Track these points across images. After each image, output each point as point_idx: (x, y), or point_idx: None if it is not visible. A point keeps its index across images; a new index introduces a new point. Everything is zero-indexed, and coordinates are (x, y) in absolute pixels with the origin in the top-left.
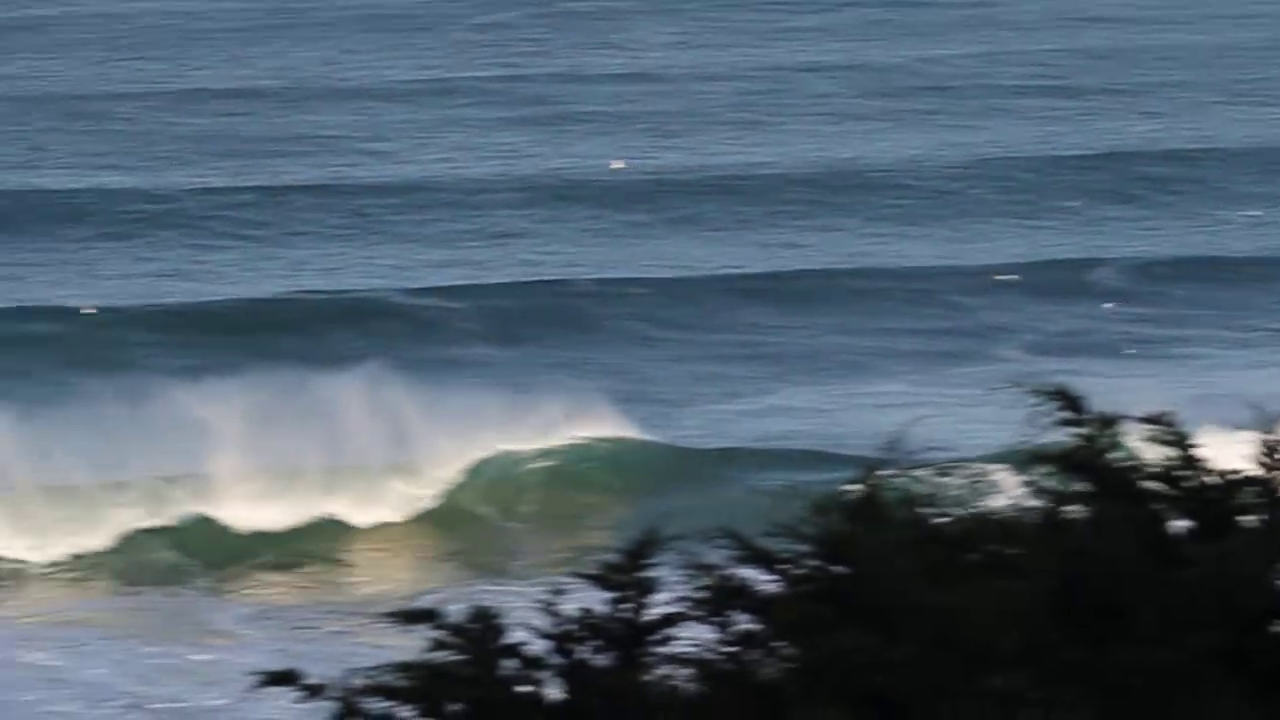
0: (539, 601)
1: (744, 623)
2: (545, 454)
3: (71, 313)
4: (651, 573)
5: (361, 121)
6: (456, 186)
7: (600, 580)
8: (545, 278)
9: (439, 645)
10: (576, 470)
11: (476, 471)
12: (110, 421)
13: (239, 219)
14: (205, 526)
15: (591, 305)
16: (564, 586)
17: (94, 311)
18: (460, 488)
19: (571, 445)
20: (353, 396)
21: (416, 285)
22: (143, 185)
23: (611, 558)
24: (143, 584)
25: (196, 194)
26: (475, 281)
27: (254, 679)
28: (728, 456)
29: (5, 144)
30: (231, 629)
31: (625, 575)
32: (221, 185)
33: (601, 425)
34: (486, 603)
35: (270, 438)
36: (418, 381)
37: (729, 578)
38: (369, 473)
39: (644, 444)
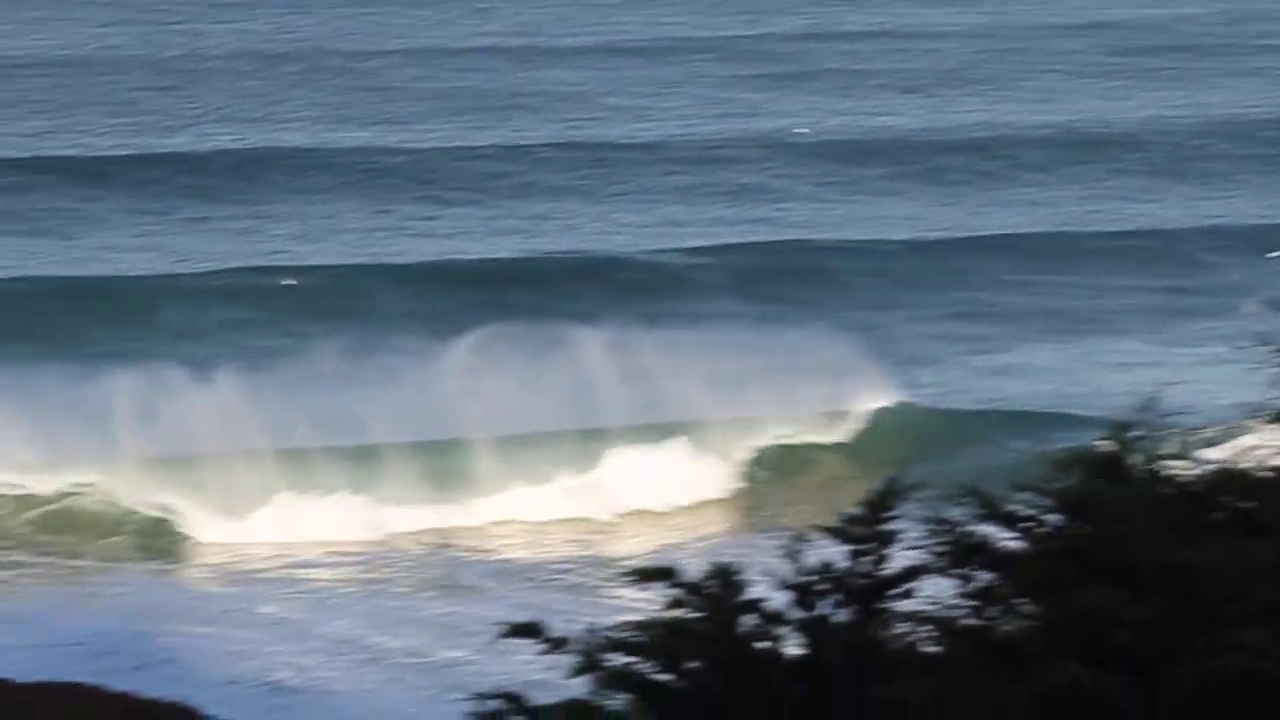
0: (781, 553)
1: (984, 579)
2: (804, 414)
3: (307, 270)
4: (891, 525)
5: (602, 78)
6: (696, 142)
7: (840, 534)
8: (786, 235)
9: (678, 603)
10: (839, 432)
11: (741, 433)
12: (350, 381)
13: (478, 173)
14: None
15: (831, 261)
16: (807, 540)
17: (329, 267)
18: (720, 449)
19: (835, 409)
20: (606, 354)
21: (657, 242)
22: (383, 141)
23: (852, 511)
24: (387, 542)
25: (437, 151)
26: (716, 241)
27: (497, 631)
28: (980, 417)
29: (247, 99)
30: (477, 583)
31: (866, 528)
32: (461, 143)
33: (861, 386)
34: (726, 560)
35: (524, 397)
36: (665, 338)
37: (970, 534)
38: (632, 434)
39: (905, 405)
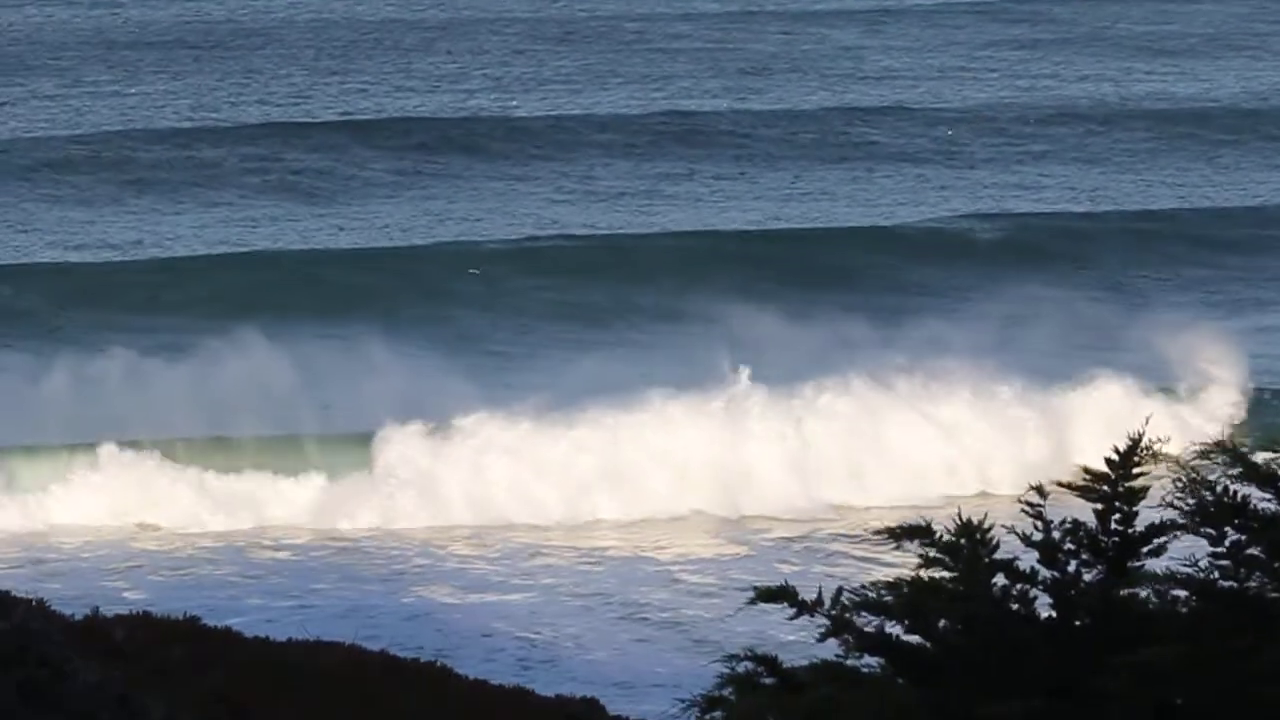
0: (1027, 510)
1: (1239, 541)
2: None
3: (581, 237)
4: (1140, 482)
5: (864, 40)
6: (955, 107)
7: (1087, 490)
8: (1050, 200)
9: (930, 562)
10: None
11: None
12: (605, 344)
13: (739, 134)
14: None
15: (1092, 227)
16: (1048, 494)
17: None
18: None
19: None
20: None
21: (920, 208)
22: (646, 102)
23: (1098, 468)
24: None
25: (700, 113)
26: (981, 207)
27: (747, 594)
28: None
29: (510, 60)
30: (742, 545)
31: (1112, 486)
32: (723, 105)
33: (1212, 365)
34: (975, 518)
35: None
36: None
37: (1226, 493)
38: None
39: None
